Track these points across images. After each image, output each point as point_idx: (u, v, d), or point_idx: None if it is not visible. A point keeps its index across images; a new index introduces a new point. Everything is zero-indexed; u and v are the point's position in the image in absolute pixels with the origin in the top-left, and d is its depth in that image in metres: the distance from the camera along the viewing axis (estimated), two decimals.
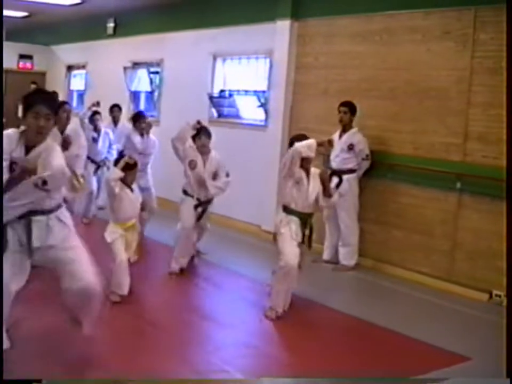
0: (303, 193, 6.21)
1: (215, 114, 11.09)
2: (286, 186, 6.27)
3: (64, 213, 4.68)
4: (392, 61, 8.24)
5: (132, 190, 6.44)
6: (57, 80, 16.49)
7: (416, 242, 7.86)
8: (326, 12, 9.16)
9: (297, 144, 6.09)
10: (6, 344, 4.63)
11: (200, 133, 7.38)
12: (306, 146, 6.08)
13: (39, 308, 5.71)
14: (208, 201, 7.58)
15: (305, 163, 6.21)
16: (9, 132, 4.41)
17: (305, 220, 6.27)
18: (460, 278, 7.47)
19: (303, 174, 6.23)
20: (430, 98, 7.83)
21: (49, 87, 16.50)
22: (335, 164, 8.23)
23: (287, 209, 6.29)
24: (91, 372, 4.74)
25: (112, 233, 6.31)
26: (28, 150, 4.36)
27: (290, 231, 6.18)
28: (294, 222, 6.21)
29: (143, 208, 6.68)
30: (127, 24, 13.46)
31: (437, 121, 7.76)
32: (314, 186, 6.26)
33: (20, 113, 4.70)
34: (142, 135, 9.14)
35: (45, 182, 4.21)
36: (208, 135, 7.45)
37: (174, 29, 11.81)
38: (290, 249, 6.14)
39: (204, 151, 7.43)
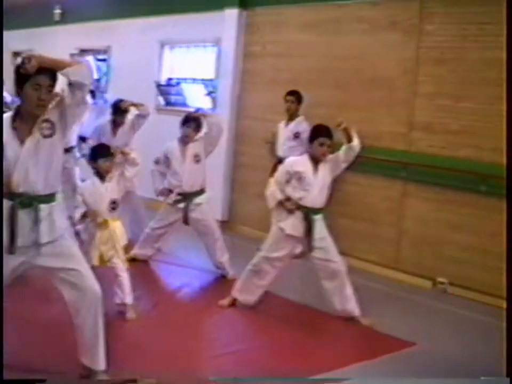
0: None
1: (162, 102, 10.88)
2: None
3: None
4: (340, 51, 8.15)
5: (103, 181, 5.68)
6: (3, 68, 16.05)
7: (362, 230, 7.81)
8: (274, 0, 9.01)
9: None
10: None
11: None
12: None
13: None
14: None
15: None
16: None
17: None
18: (405, 266, 7.44)
19: None
20: (377, 88, 7.77)
21: None
22: (281, 152, 8.14)
23: None
24: None
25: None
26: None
27: None
28: None
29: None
30: (74, 11, 13.12)
31: (383, 110, 7.71)
32: None
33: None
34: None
35: None
36: None
37: (122, 16, 11.54)
38: None
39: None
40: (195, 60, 10.46)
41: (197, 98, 10.20)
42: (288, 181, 5.84)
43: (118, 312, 5.59)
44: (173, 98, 10.76)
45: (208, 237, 7.06)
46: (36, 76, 3.79)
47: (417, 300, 6.81)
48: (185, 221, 7.01)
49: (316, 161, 5.81)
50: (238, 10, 9.33)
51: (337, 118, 5.78)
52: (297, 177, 5.78)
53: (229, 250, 7.18)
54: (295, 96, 8.12)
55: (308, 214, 5.76)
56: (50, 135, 3.94)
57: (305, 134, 7.93)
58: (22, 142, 3.90)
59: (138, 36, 11.13)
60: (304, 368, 4.84)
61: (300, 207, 5.77)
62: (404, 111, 7.51)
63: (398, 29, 7.59)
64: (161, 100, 10.85)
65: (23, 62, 3.72)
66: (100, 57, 12.39)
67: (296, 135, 8.05)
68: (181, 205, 6.97)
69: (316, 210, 5.82)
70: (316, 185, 5.77)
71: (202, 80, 10.13)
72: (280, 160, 8.03)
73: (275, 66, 8.96)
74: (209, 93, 9.90)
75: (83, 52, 12.66)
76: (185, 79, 10.51)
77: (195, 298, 6.63)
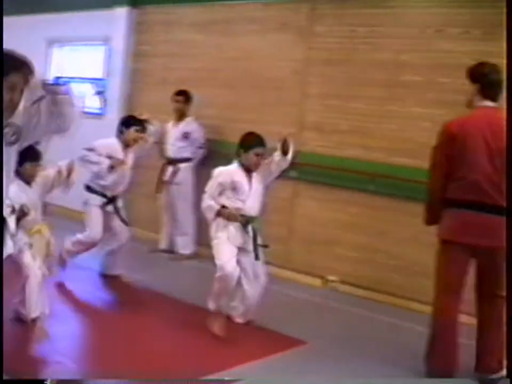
0: None
1: None
2: None
3: None
4: (231, 51, 8.02)
5: (29, 185, 5.21)
6: None
7: None
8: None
9: None
10: None
11: None
12: None
13: None
14: None
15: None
16: None
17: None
18: (296, 265, 7.35)
19: None
20: (268, 89, 7.67)
21: None
22: (171, 152, 7.95)
23: None
24: None
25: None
26: None
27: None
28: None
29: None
30: None
31: (273, 111, 7.60)
32: None
33: None
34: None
35: None
36: None
37: (9, 13, 11.03)
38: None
39: None
40: (84, 59, 10.12)
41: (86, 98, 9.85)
42: (221, 193, 5.55)
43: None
44: None
45: (121, 240, 6.73)
46: (11, 73, 3.26)
47: (308, 298, 6.72)
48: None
49: (247, 170, 5.57)
50: (128, 8, 9.07)
51: (284, 133, 5.56)
52: (233, 187, 5.51)
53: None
54: (184, 96, 7.95)
55: (247, 223, 5.52)
56: (15, 142, 3.36)
57: (195, 135, 7.92)
58: None
59: (26, 33, 10.64)
60: (195, 369, 4.66)
61: (238, 217, 5.50)
62: (294, 112, 7.44)
63: (289, 30, 7.53)
64: None
65: None
66: None
67: (186, 136, 7.89)
68: (109, 208, 6.59)
69: (253, 219, 5.58)
70: (251, 195, 5.55)
71: (91, 79, 9.78)
72: (169, 161, 7.86)
73: (166, 66, 8.73)
74: (98, 93, 9.57)
75: None
76: (73, 78, 10.13)
77: (85, 299, 6.32)
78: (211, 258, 5.71)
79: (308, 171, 7.22)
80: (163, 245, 8.12)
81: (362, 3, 7.03)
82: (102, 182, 6.55)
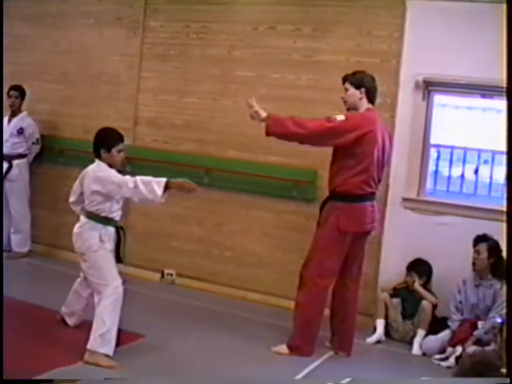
0: None
1: None
2: None
3: None
4: (65, 45, 7.57)
5: None
6: None
7: None
8: None
9: None
10: None
11: None
12: None
13: None
14: None
15: None
16: None
17: None
18: (132, 260, 6.99)
19: None
20: (102, 83, 7.33)
21: None
22: (4, 149, 7.36)
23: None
24: None
25: None
26: None
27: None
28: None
29: None
30: None
31: (108, 105, 7.28)
32: None
33: None
34: None
35: None
36: None
37: None
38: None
39: None
40: None
41: None
42: None
43: None
44: None
45: None
46: None
47: (146, 292, 6.46)
48: None
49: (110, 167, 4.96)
50: None
51: None
52: None
53: None
54: (19, 91, 7.43)
55: (119, 227, 5.08)
56: None
57: (30, 130, 7.50)
58: None
59: None
60: (26, 367, 4.23)
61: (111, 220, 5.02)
62: (128, 106, 7.16)
63: (123, 24, 7.24)
64: None
65: None
66: None
67: (20, 131, 7.38)
68: None
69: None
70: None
71: None
72: (3, 157, 7.32)
73: None
74: None
75: None
76: None
77: None
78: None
79: (141, 166, 6.87)
80: None
81: None
82: None
